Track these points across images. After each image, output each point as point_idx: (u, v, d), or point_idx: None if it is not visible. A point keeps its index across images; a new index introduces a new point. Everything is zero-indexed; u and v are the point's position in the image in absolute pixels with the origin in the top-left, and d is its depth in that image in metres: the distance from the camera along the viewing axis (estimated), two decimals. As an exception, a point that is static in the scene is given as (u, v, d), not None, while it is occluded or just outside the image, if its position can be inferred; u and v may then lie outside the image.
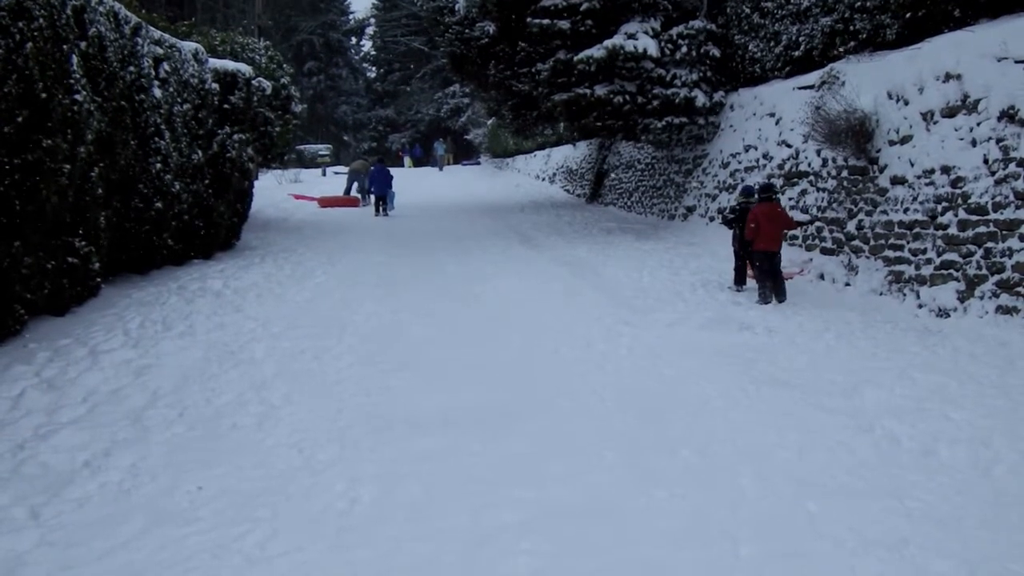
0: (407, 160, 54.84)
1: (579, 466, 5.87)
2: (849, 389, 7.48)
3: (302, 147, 45.27)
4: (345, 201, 27.85)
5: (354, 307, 11.24)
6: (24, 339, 8.56)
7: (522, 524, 4.94)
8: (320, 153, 47.91)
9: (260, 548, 4.60)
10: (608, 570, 4.43)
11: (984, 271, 9.90)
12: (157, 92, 12.63)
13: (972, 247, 10.16)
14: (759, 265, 11.92)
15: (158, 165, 12.41)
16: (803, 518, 4.99)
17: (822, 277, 12.93)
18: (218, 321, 10.07)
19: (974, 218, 10.18)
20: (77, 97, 9.48)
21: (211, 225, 14.91)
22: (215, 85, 15.75)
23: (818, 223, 13.81)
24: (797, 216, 13.65)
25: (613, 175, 27.63)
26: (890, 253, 11.70)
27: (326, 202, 27.10)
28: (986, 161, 10.13)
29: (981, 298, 9.85)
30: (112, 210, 11.08)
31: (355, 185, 29.24)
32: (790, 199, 14.80)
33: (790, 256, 13.94)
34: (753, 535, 4.76)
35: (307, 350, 8.99)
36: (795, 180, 14.90)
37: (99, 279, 10.57)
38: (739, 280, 12.73)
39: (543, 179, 37.59)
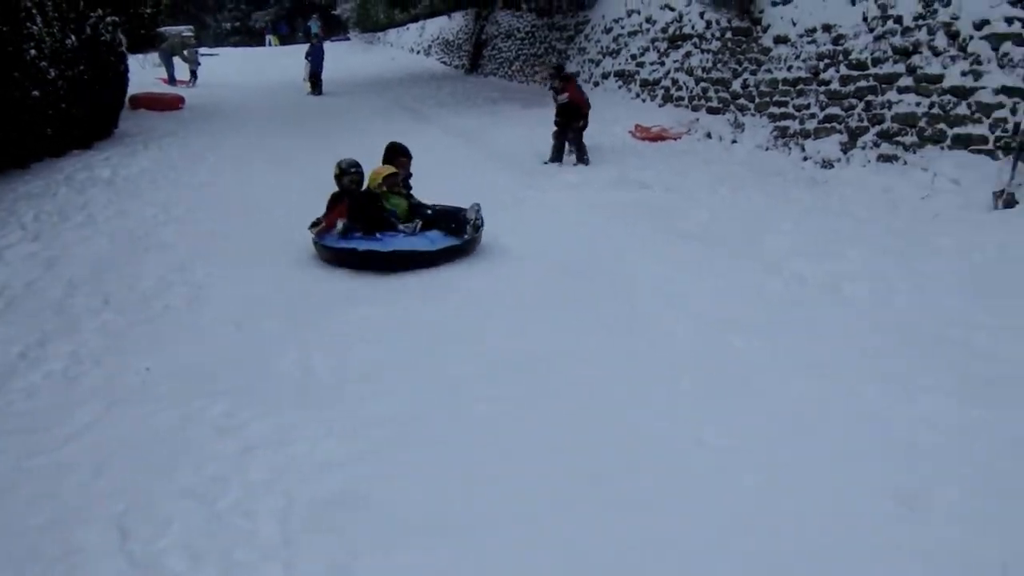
0: (270, 39, 52.72)
1: (516, 325, 6.03)
2: (752, 237, 7.90)
3: (162, 29, 42.95)
4: (163, 102, 19.58)
5: (253, 184, 11.08)
6: (-86, 240, 8.21)
7: (476, 376, 5.14)
8: (184, 34, 45.65)
9: (228, 417, 4.63)
10: (564, 415, 4.63)
11: (865, 123, 10.40)
12: (23, -28, 11.82)
13: (853, 101, 10.63)
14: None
15: (32, 51, 11.73)
16: (730, 352, 5.37)
17: (709, 136, 13.29)
18: (117, 209, 9.80)
19: (855, 73, 10.63)
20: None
21: (90, 113, 14.23)
22: (83, -35, 14.80)
23: (703, 83, 14.11)
24: None
25: (492, 45, 27.34)
26: (775, 110, 12.12)
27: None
28: (865, 19, 10.55)
29: (863, 148, 10.35)
30: (-13, 99, 10.51)
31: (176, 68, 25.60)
32: (675, 62, 15.05)
33: (676, 116, 14.28)
34: (689, 368, 5.11)
35: (215, 232, 8.86)
36: (679, 43, 15.11)
37: (-21, 172, 10.10)
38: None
39: (418, 52, 36.84)
